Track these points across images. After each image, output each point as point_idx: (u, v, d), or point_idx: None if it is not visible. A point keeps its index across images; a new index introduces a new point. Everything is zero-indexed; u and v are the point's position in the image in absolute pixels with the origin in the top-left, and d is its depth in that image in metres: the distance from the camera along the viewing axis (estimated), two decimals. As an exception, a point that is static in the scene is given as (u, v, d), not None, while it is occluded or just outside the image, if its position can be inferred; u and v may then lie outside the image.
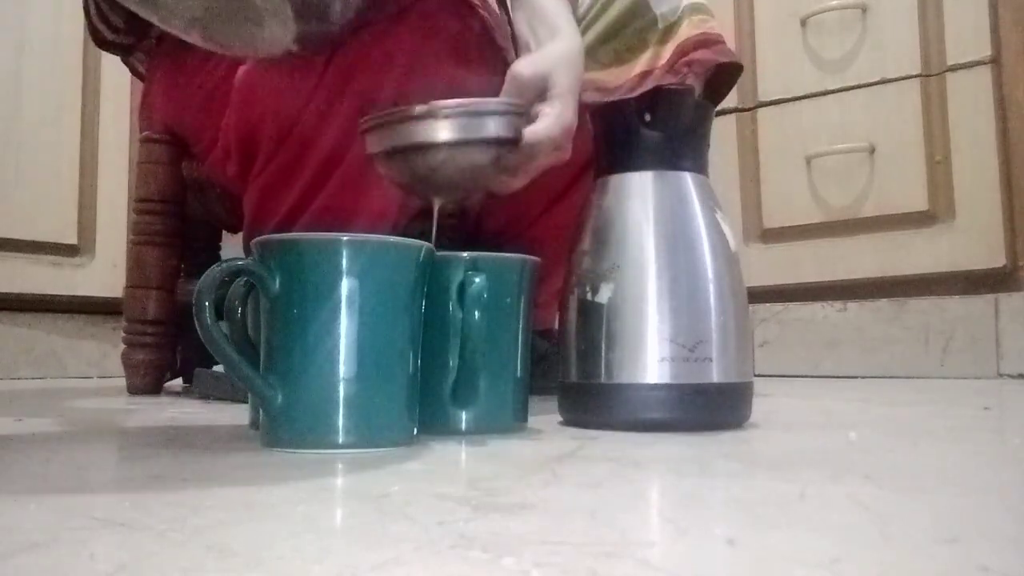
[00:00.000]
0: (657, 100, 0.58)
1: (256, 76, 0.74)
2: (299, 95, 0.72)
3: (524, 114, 0.60)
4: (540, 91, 0.63)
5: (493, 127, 0.57)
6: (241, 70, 0.75)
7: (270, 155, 0.75)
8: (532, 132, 0.61)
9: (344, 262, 0.43)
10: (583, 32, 0.77)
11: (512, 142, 0.58)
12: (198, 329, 0.43)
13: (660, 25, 0.80)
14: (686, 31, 0.79)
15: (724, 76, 0.82)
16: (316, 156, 0.73)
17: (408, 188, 0.61)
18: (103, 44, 0.91)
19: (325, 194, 0.73)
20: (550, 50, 0.66)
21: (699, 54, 0.78)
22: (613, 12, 0.81)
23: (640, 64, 0.79)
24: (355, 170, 0.72)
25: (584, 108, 0.83)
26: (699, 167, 0.58)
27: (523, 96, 0.62)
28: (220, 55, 0.81)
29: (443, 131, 0.55)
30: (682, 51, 0.78)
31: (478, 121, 0.56)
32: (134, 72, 1.00)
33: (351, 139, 0.71)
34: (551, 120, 0.63)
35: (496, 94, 0.64)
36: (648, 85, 0.77)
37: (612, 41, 0.80)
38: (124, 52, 0.93)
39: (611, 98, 0.76)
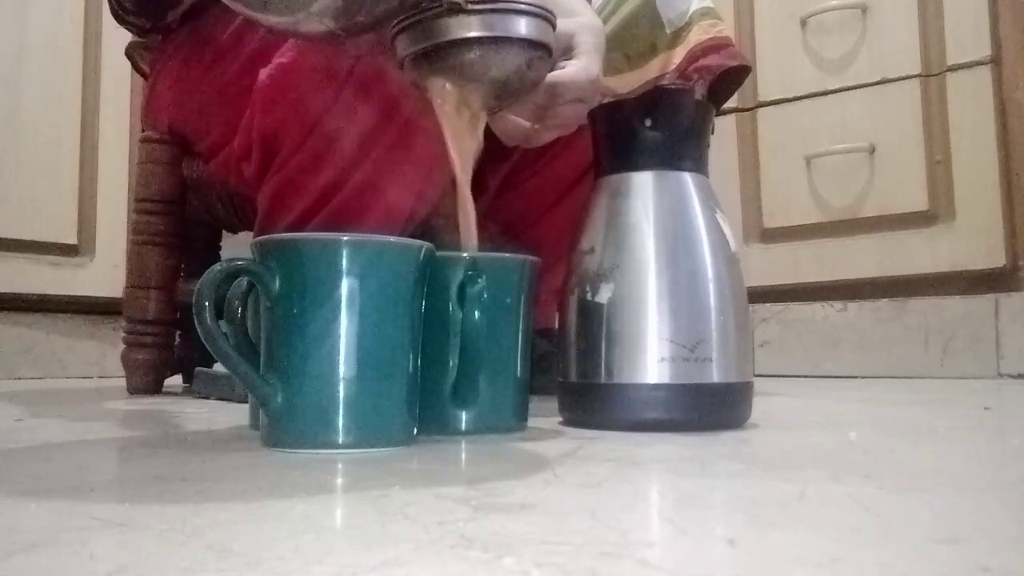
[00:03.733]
0: (657, 100, 0.58)
1: (280, 78, 0.74)
2: (323, 97, 0.73)
3: (554, 24, 0.60)
4: (564, 49, 0.65)
5: (524, 27, 0.57)
6: (263, 72, 0.75)
7: (289, 155, 0.76)
8: (557, 74, 0.63)
9: (344, 262, 0.43)
10: None
11: (544, 48, 0.58)
12: (198, 329, 0.43)
13: (668, 30, 0.80)
14: (696, 36, 0.80)
15: (730, 77, 0.82)
16: (335, 158, 0.74)
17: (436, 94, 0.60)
18: (120, 20, 0.91)
19: (342, 196, 0.74)
20: (573, 19, 0.68)
21: (709, 59, 0.79)
22: (621, 15, 0.82)
23: (651, 70, 0.81)
24: (373, 173, 0.72)
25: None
26: (699, 167, 0.58)
27: None
28: (231, 54, 0.81)
29: (475, 26, 0.55)
30: (692, 56, 0.79)
31: (510, 19, 0.56)
32: (137, 69, 1.00)
33: (371, 142, 0.72)
34: (577, 68, 0.65)
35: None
36: None
37: (621, 47, 0.81)
38: (140, 32, 0.93)
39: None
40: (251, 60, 0.78)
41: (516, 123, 0.70)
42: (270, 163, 0.78)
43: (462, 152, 0.57)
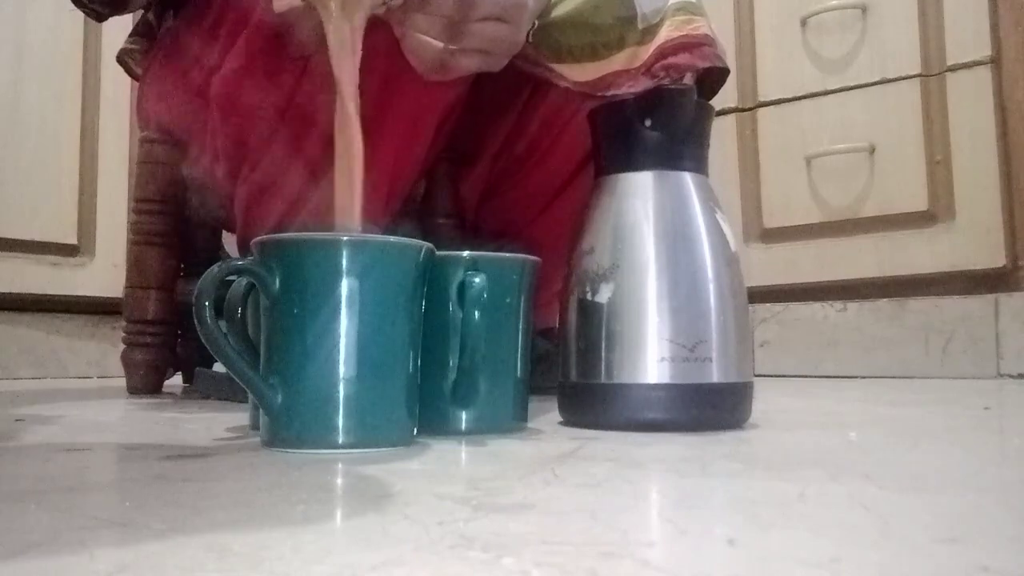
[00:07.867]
0: (657, 100, 0.58)
1: (233, 83, 0.73)
2: (281, 94, 0.71)
3: None
4: None
5: None
6: (216, 79, 0.74)
7: (256, 161, 0.75)
8: None
9: (344, 262, 0.43)
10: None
11: None
12: (198, 329, 0.43)
13: (641, 25, 0.75)
14: (667, 32, 0.74)
15: (712, 77, 0.79)
16: (305, 156, 0.73)
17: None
18: (78, 3, 0.86)
19: (317, 197, 0.73)
20: None
21: (680, 58, 0.73)
22: None
23: (616, 63, 0.74)
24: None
25: (574, 101, 0.79)
26: (699, 167, 0.58)
27: None
28: (204, 57, 0.80)
29: None
30: (661, 53, 0.73)
31: None
32: (130, 73, 1.00)
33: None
34: None
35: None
36: (622, 86, 0.73)
37: (588, 33, 0.74)
38: (97, 17, 0.89)
39: (589, 94, 0.74)
40: (218, 64, 0.77)
41: (426, 43, 0.60)
42: (239, 169, 0.77)
43: (344, 71, 0.51)
